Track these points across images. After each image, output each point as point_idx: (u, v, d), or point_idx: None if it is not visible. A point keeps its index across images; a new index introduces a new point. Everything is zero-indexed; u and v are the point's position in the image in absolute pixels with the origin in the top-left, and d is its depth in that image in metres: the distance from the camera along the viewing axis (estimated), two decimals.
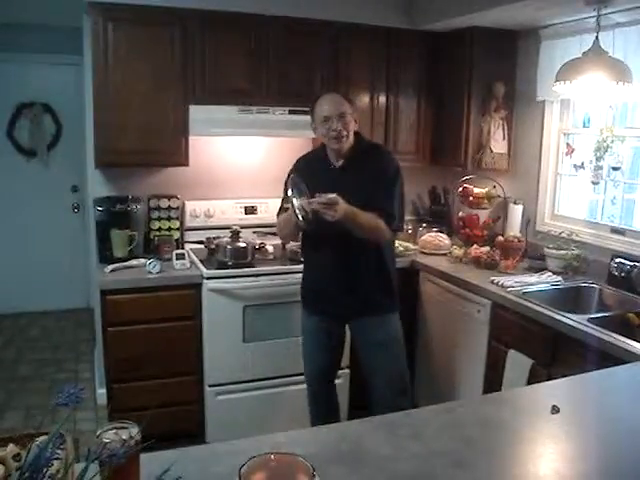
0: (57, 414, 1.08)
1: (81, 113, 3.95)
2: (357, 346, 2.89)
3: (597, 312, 2.87)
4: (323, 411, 2.99)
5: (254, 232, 3.74)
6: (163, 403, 3.15)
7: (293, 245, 3.53)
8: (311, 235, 2.69)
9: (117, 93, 3.23)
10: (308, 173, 2.63)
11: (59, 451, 0.98)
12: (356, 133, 2.70)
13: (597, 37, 2.77)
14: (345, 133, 2.59)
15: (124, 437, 1.08)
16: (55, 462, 0.98)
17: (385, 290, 2.78)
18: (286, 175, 2.69)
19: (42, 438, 1.07)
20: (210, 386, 3.30)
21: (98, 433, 1.09)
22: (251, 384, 3.34)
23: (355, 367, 3.20)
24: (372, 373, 2.82)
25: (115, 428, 1.12)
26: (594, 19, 2.82)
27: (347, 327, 2.89)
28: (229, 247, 3.33)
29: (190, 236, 3.72)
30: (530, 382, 2.62)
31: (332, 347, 2.92)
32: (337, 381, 3.08)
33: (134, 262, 3.31)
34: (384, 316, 2.78)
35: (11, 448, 1.06)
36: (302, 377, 3.03)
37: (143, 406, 3.13)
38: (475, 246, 3.59)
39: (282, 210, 2.79)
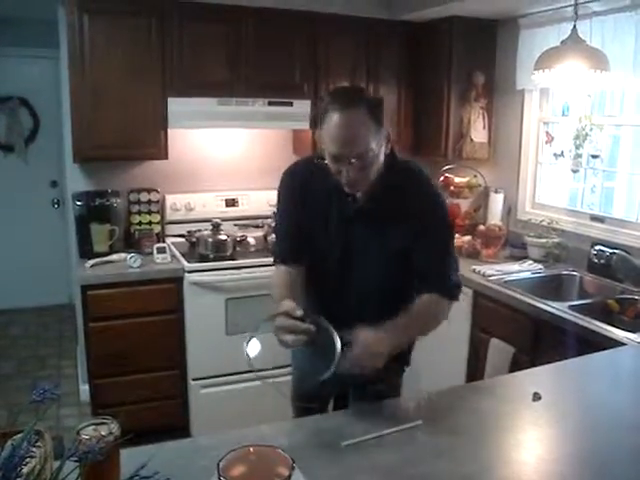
0: (40, 412, 1.06)
1: (59, 107, 3.90)
2: None
3: (578, 299, 2.90)
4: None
5: (235, 225, 3.72)
6: (147, 398, 3.15)
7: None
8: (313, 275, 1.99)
9: (94, 86, 3.19)
10: (309, 198, 1.83)
11: (34, 449, 0.96)
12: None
13: (575, 26, 2.77)
14: (363, 180, 1.67)
15: (103, 433, 1.07)
16: (32, 460, 0.96)
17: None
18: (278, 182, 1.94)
19: (20, 436, 1.05)
20: (194, 380, 3.29)
21: (77, 430, 1.08)
22: (235, 377, 3.32)
23: None
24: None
25: (94, 424, 1.11)
26: (572, 8, 2.83)
27: None
28: (210, 240, 3.31)
29: (171, 230, 3.70)
30: (512, 370, 2.64)
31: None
32: None
33: (115, 257, 3.29)
34: None
35: None
36: (285, 369, 3.00)
37: (127, 401, 3.16)
38: (457, 235, 3.60)
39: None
